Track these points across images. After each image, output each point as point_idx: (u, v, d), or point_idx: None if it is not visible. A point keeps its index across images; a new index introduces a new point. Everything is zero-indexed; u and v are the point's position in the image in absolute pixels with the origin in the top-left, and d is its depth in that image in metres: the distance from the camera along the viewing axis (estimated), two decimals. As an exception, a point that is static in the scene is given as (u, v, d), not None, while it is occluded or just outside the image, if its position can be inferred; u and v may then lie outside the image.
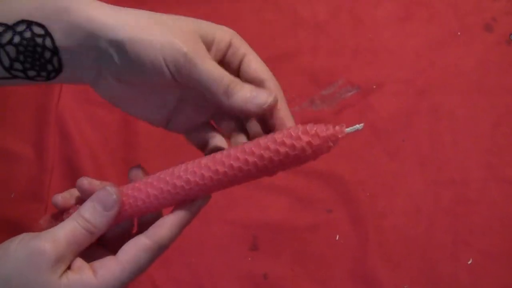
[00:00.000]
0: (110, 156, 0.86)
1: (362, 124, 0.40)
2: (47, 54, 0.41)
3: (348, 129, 0.40)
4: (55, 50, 0.41)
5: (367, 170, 0.84)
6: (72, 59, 0.42)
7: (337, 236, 0.80)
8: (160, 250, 0.43)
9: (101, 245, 0.46)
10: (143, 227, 0.45)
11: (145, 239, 0.42)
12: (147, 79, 0.42)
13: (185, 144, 0.52)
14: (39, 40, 0.41)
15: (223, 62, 0.45)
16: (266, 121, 0.45)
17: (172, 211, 0.44)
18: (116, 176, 0.85)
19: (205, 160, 0.43)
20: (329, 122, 0.73)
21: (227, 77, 0.42)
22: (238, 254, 0.80)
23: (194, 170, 0.43)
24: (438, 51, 0.89)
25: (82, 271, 0.41)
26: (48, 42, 0.41)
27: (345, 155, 0.85)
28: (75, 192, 0.48)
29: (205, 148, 0.48)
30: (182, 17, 0.44)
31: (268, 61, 0.83)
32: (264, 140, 0.41)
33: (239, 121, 0.47)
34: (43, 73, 0.43)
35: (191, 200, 0.44)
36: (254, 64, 0.45)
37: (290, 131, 0.40)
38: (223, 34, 0.45)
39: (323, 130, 0.40)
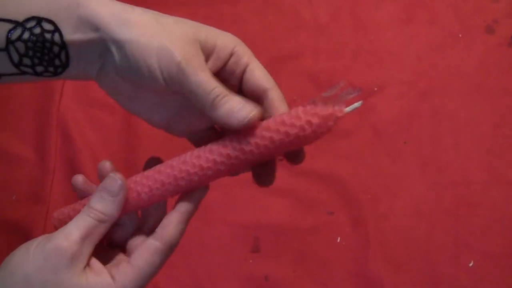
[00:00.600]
0: (111, 158, 0.81)
1: (360, 102, 0.42)
2: (56, 49, 0.42)
3: (347, 108, 0.41)
4: (63, 45, 0.42)
5: (368, 172, 0.84)
6: (78, 54, 0.43)
7: (338, 238, 0.80)
8: (171, 250, 0.44)
9: (111, 245, 0.48)
10: (146, 220, 0.47)
11: (155, 241, 0.43)
12: (142, 82, 0.43)
13: (187, 147, 0.52)
14: (48, 36, 0.41)
15: (224, 70, 0.45)
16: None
17: (174, 208, 0.45)
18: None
19: (211, 146, 0.43)
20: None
21: (216, 90, 0.42)
22: (239, 255, 0.80)
23: (194, 159, 0.44)
24: (440, 53, 0.89)
25: (101, 274, 0.41)
26: (56, 37, 0.41)
27: (346, 157, 0.85)
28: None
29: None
30: (186, 21, 0.44)
31: (269, 63, 0.86)
32: (264, 121, 0.41)
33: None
34: (51, 68, 0.43)
35: (192, 189, 0.45)
36: (257, 73, 0.45)
37: (290, 111, 0.41)
38: (226, 41, 0.45)
39: (323, 110, 0.40)
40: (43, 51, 0.42)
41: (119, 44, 0.41)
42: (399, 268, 0.78)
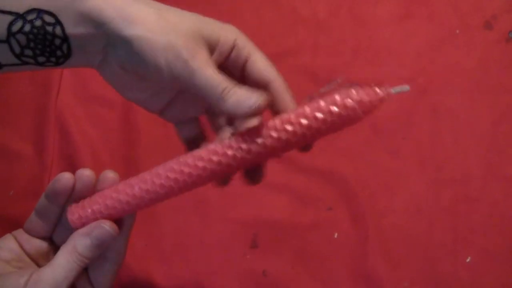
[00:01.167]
0: (110, 154, 0.86)
1: (408, 86, 0.43)
2: (57, 41, 0.42)
3: (394, 90, 0.43)
4: (65, 38, 0.42)
5: (367, 168, 0.84)
6: (81, 45, 0.43)
7: (337, 234, 0.80)
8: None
9: None
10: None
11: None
12: (148, 75, 0.43)
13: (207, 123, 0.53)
14: (49, 28, 0.41)
15: (226, 63, 0.46)
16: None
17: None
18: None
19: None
20: None
21: (222, 84, 0.43)
22: (237, 251, 0.80)
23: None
24: (438, 50, 0.89)
25: None
26: (58, 30, 0.42)
27: (345, 153, 0.85)
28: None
29: (189, 143, 0.51)
30: (188, 15, 0.46)
31: (271, 57, 0.83)
32: (312, 105, 0.43)
33: (230, 117, 0.49)
34: (53, 59, 0.43)
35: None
36: (259, 64, 0.47)
37: (339, 93, 0.43)
38: (227, 35, 0.46)
39: (372, 89, 0.42)
40: (44, 43, 0.42)
41: (125, 41, 0.41)
42: (398, 265, 0.78)
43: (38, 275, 0.44)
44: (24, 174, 0.84)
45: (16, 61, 0.43)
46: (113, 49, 0.43)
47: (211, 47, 0.45)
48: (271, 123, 0.44)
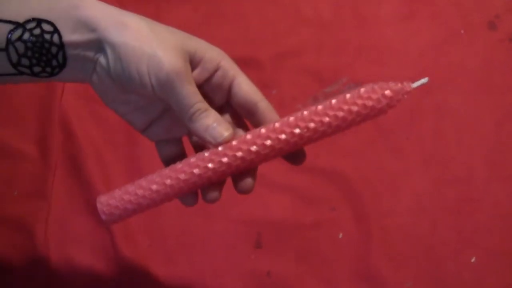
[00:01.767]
0: (114, 154, 0.86)
1: (427, 78, 0.46)
2: (54, 50, 0.43)
3: (414, 84, 0.46)
4: (61, 46, 0.43)
5: (371, 168, 0.84)
6: (75, 54, 0.44)
7: (340, 234, 0.80)
8: None
9: None
10: None
11: None
12: (132, 85, 0.44)
13: (189, 143, 0.52)
14: (47, 37, 0.43)
15: (210, 82, 0.47)
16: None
17: None
18: (120, 174, 0.84)
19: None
20: None
21: (198, 104, 0.44)
22: (241, 251, 0.80)
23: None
24: (442, 50, 0.88)
25: None
26: (55, 38, 0.43)
27: (348, 153, 0.85)
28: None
29: (169, 162, 0.50)
30: (178, 32, 0.47)
31: (271, 59, 0.85)
32: (340, 99, 0.45)
33: None
34: (48, 69, 0.44)
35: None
36: (245, 86, 0.48)
37: (365, 89, 0.45)
38: (213, 55, 0.47)
39: (394, 85, 0.45)
40: (41, 52, 0.43)
41: (114, 46, 0.43)
42: (402, 264, 0.78)
43: None
44: (28, 174, 0.84)
45: (12, 70, 0.44)
46: (103, 56, 0.44)
47: (194, 64, 0.46)
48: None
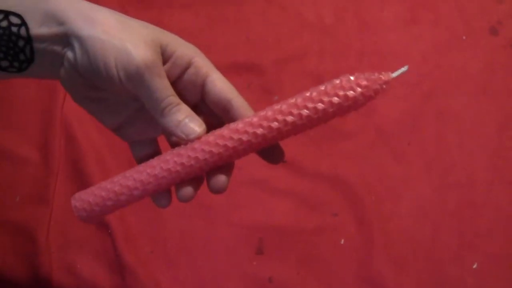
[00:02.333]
0: (116, 158, 0.86)
1: (406, 66, 0.43)
2: (21, 43, 0.42)
3: (394, 73, 0.43)
4: (28, 39, 0.42)
5: (372, 173, 0.83)
6: (43, 48, 0.43)
7: (342, 240, 0.80)
8: None
9: None
10: None
11: None
12: (100, 80, 0.43)
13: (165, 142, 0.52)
14: (14, 29, 0.41)
15: (182, 79, 0.46)
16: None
17: None
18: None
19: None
20: (336, 124, 0.76)
21: (170, 98, 0.43)
22: (243, 257, 0.80)
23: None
24: (444, 54, 0.88)
25: None
26: (23, 31, 0.42)
27: (350, 158, 0.84)
28: None
29: (143, 161, 0.49)
30: (151, 26, 0.45)
31: (273, 63, 0.85)
32: (314, 92, 0.43)
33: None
34: (16, 63, 0.43)
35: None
36: (219, 83, 0.46)
37: (340, 79, 0.42)
38: (185, 51, 0.45)
39: (371, 74, 0.42)
40: (8, 45, 0.42)
41: (81, 40, 0.41)
42: (404, 269, 0.78)
43: None
44: (30, 179, 0.84)
45: None
46: (70, 51, 0.43)
47: (166, 58, 0.45)
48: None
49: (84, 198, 0.47)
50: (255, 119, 0.43)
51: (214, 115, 0.48)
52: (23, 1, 0.42)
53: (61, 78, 0.45)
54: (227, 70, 0.84)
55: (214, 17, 0.92)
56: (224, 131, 0.44)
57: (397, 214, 0.81)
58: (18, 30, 0.41)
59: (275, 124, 0.42)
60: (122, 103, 0.47)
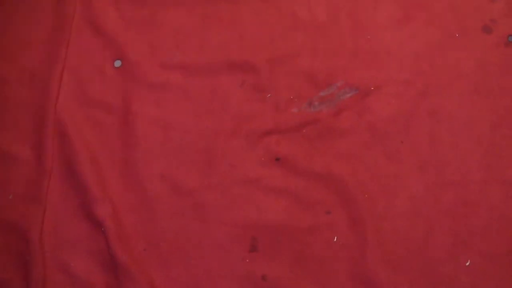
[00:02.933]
0: (109, 158, 0.85)
1: None
2: None
3: None
4: None
5: (366, 172, 0.83)
6: None
7: (336, 238, 0.80)
8: None
9: None
10: None
11: None
12: None
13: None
14: None
15: None
16: None
17: None
18: (115, 178, 0.84)
19: None
20: (329, 123, 0.76)
21: None
22: (237, 255, 0.80)
23: None
24: (438, 53, 0.88)
25: None
26: None
27: (344, 156, 0.84)
28: None
29: None
30: None
31: (267, 62, 0.85)
32: None
33: None
34: None
35: None
36: None
37: None
38: None
39: None
40: None
41: None
42: (398, 268, 0.78)
43: None
44: (23, 178, 0.83)
45: None
46: None
47: None
48: None
49: None
50: None
51: None
52: None
53: None
54: (220, 68, 0.87)
55: (208, 16, 0.91)
56: None
57: (390, 212, 0.81)
58: None
59: None
60: None
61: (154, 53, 0.87)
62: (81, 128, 0.86)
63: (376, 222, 0.80)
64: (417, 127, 0.85)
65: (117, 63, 0.87)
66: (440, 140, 0.84)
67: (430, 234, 0.79)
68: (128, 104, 0.84)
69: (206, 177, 0.80)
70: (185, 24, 0.90)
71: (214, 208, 0.82)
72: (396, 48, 0.89)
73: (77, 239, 0.80)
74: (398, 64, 0.88)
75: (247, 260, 0.79)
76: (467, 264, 0.77)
